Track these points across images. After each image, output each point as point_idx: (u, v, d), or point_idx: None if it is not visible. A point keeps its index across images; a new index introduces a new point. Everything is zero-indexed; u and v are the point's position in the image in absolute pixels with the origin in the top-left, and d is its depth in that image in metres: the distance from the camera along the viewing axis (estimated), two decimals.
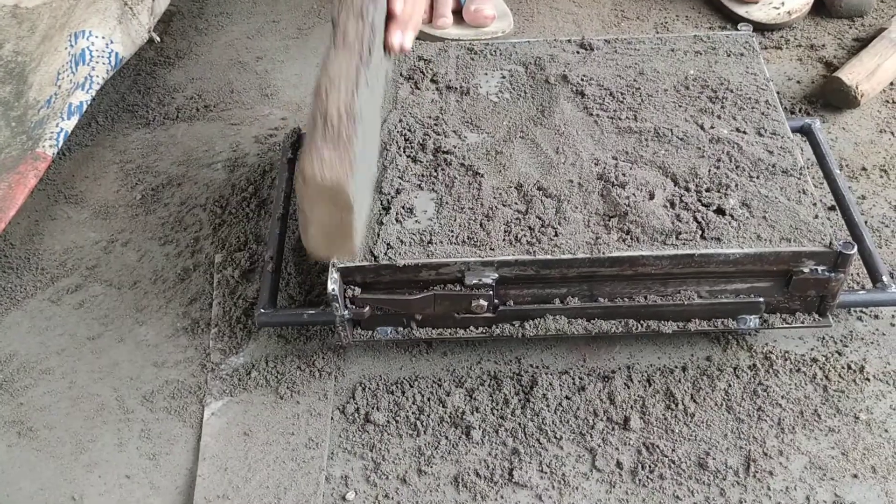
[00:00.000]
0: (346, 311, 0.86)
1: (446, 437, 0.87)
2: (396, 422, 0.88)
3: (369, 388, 0.91)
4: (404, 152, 0.95)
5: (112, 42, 1.17)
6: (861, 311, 0.96)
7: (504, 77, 1.04)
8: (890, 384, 0.90)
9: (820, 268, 0.84)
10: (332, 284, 0.83)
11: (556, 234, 0.85)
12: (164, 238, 1.07)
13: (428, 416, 0.88)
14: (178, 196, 1.12)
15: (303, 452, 0.86)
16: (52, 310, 1.00)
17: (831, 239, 0.83)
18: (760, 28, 1.31)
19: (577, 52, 1.06)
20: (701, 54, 1.05)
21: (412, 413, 0.89)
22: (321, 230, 0.80)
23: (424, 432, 0.87)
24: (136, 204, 1.12)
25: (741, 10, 1.33)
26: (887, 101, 1.19)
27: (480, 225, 0.87)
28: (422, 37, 1.32)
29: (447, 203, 0.89)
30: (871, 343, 0.93)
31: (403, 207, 0.89)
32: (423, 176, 0.92)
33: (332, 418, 0.89)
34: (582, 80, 1.01)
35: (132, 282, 1.03)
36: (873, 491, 0.81)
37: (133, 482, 0.86)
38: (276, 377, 0.92)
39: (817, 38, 1.30)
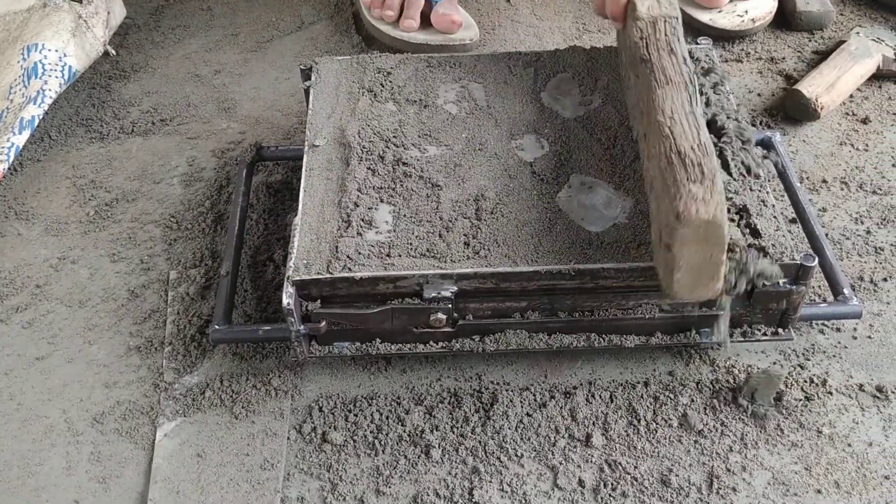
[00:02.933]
0: (302, 326, 0.85)
1: (405, 457, 0.85)
2: (354, 441, 0.86)
3: (326, 407, 0.89)
4: (364, 164, 0.93)
5: (66, 55, 1.15)
6: (823, 325, 0.95)
7: (463, 89, 1.02)
8: (852, 398, 0.89)
9: (781, 280, 0.84)
10: (288, 299, 0.81)
11: None
12: (117, 255, 1.05)
13: (386, 434, 0.87)
14: (131, 212, 1.10)
15: (258, 474, 0.84)
16: (0, 329, 0.97)
17: (792, 251, 0.83)
18: (725, 36, 1.30)
19: None
20: None
21: (370, 432, 0.87)
22: (689, 271, 0.76)
23: (383, 451, 0.85)
24: (87, 220, 1.09)
25: (705, 18, 1.32)
26: (847, 114, 1.20)
27: (440, 237, 0.85)
28: (386, 42, 1.30)
29: (406, 215, 0.88)
30: (833, 356, 0.92)
31: (363, 220, 0.87)
32: (381, 188, 0.91)
33: (288, 438, 0.87)
34: None
35: (83, 300, 1.00)
36: None
37: None
38: (231, 396, 0.90)
39: (777, 50, 1.30)
